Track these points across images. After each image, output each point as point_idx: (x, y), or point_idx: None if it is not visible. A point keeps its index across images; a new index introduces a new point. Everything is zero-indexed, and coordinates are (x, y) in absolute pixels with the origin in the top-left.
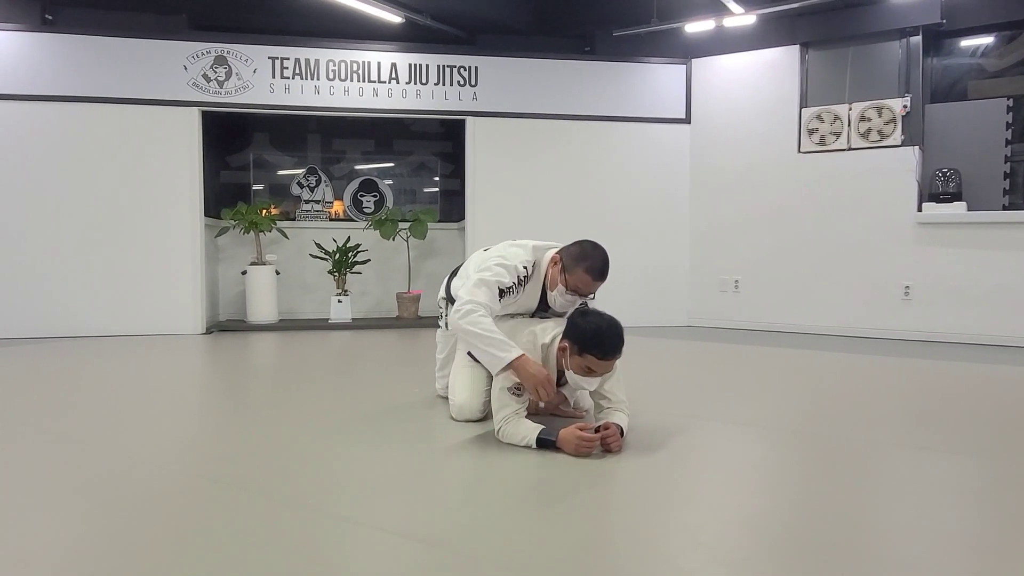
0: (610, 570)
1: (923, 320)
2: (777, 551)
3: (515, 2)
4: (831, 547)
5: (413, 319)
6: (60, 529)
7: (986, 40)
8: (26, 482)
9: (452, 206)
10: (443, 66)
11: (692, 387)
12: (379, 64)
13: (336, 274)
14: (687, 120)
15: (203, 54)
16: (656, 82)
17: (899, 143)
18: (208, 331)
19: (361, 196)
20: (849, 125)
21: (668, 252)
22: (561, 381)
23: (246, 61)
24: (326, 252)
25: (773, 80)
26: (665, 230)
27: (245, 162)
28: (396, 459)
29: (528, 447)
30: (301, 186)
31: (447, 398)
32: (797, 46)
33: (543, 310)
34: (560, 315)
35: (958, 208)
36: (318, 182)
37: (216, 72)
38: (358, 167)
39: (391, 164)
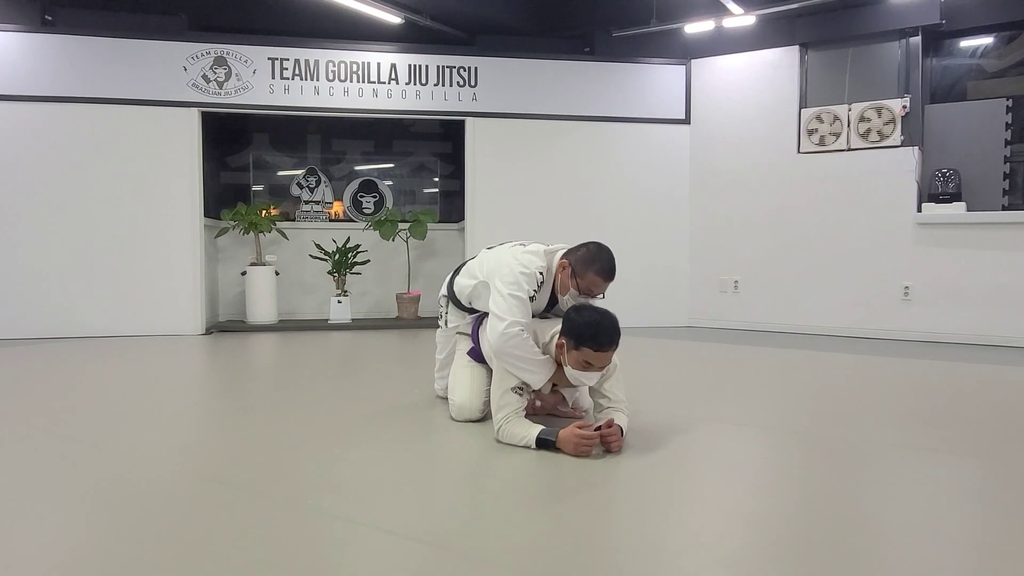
0: (610, 570)
1: (923, 320)
2: (777, 551)
3: (515, 3)
4: (831, 547)
5: (413, 320)
6: (61, 529)
7: (985, 40)
8: (26, 482)
9: (452, 207)
10: (443, 67)
11: (692, 387)
12: (379, 65)
13: (336, 275)
14: (687, 121)
15: (203, 55)
16: (656, 83)
17: (899, 143)
18: (208, 332)
19: (361, 197)
20: (849, 126)
21: (668, 253)
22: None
23: (246, 62)
24: (326, 253)
25: (773, 81)
26: (665, 230)
27: (245, 163)
28: (396, 459)
29: (528, 447)
30: (301, 187)
31: (446, 399)
32: (796, 47)
33: (547, 310)
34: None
35: (958, 208)
36: (318, 183)
37: (216, 73)
38: (358, 168)
39: (391, 165)
